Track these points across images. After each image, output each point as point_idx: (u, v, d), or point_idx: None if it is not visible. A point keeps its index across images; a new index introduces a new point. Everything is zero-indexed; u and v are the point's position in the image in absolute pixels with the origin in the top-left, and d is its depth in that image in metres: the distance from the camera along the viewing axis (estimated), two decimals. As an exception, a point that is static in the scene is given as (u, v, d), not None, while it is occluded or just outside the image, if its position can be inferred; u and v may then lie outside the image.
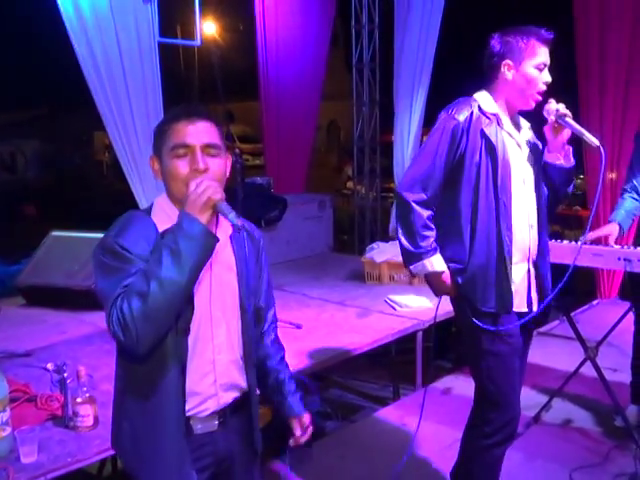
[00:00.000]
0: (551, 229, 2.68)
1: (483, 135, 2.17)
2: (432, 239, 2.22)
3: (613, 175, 5.11)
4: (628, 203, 3.16)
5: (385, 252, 4.72)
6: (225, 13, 14.41)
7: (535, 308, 2.29)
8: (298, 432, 1.69)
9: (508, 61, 2.17)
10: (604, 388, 3.11)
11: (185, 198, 1.41)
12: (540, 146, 2.31)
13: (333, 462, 2.98)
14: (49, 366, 2.79)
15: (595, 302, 5.32)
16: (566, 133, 2.20)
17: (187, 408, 1.52)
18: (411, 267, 2.27)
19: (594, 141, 2.13)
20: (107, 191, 14.74)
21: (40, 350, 3.32)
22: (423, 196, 2.21)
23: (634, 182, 3.17)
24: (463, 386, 3.79)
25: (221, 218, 1.56)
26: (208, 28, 14.01)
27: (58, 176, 17.93)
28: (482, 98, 2.25)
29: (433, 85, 5.86)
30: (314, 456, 3.04)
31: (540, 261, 2.29)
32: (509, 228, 2.17)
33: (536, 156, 2.29)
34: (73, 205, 11.88)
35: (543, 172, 2.29)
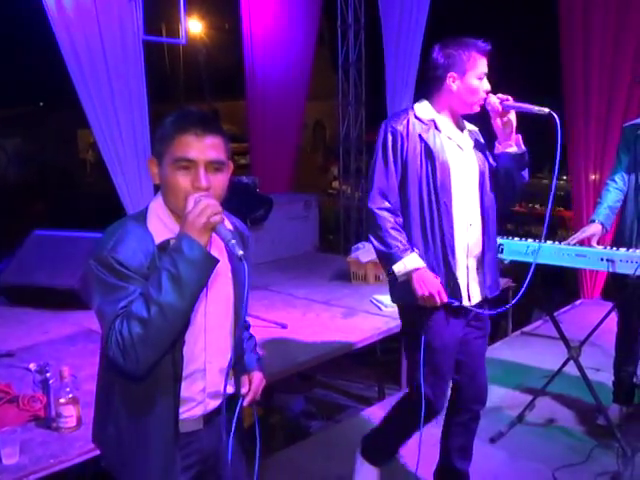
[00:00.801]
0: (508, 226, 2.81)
1: (421, 140, 2.30)
2: (404, 239, 2.31)
3: (596, 176, 5.16)
4: (612, 195, 3.19)
5: (370, 252, 4.70)
6: (211, 11, 14.33)
7: (474, 301, 2.38)
8: (244, 389, 1.65)
9: (453, 74, 2.30)
10: (587, 387, 3.14)
11: (183, 216, 1.37)
12: (485, 146, 2.43)
13: (318, 462, 2.98)
14: (31, 366, 2.77)
15: (578, 302, 5.37)
16: (512, 118, 2.31)
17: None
18: (393, 268, 2.30)
19: (544, 110, 2.25)
20: (90, 189, 14.61)
21: (22, 350, 3.29)
22: (387, 204, 2.32)
23: (621, 173, 3.19)
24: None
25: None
26: (194, 26, 13.93)
27: (41, 174, 17.73)
28: (419, 107, 2.38)
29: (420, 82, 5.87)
30: (298, 456, 3.04)
31: (483, 257, 2.38)
32: (451, 226, 2.30)
33: (480, 155, 2.40)
34: (56, 203, 11.76)
35: (499, 163, 2.39)
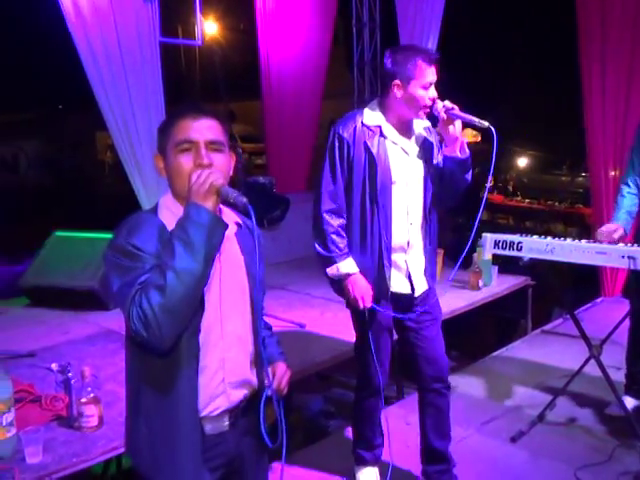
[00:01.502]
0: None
1: (365, 147, 2.43)
2: (343, 245, 2.48)
3: (616, 172, 5.10)
4: (627, 201, 3.19)
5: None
6: (226, 12, 14.39)
7: (419, 291, 2.57)
8: (268, 380, 1.63)
9: (397, 81, 2.38)
10: (609, 386, 3.10)
11: (188, 190, 1.42)
12: (434, 147, 2.53)
13: (336, 461, 2.98)
14: (53, 366, 2.80)
15: (599, 300, 5.31)
16: (458, 126, 2.40)
17: (199, 407, 1.52)
18: (327, 270, 2.50)
19: (484, 123, 2.36)
20: (109, 191, 14.74)
21: (43, 350, 3.32)
22: (334, 206, 2.48)
23: (634, 177, 3.19)
24: (467, 384, 3.79)
25: (225, 215, 1.57)
26: (209, 28, 13.99)
27: (60, 176, 17.93)
28: (367, 112, 2.49)
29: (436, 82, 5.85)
30: (318, 455, 3.04)
31: (425, 251, 2.57)
32: (388, 228, 2.45)
33: (426, 157, 2.52)
34: (75, 205, 11.88)
35: (444, 165, 2.50)
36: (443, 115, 2.39)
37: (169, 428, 1.51)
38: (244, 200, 1.41)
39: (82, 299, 4.06)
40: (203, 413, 1.53)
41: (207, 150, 1.48)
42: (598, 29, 4.93)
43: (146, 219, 1.51)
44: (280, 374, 1.67)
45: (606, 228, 3.08)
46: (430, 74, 2.37)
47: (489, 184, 2.42)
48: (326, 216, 2.47)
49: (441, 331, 2.68)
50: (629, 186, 3.20)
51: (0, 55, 15.64)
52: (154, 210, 1.56)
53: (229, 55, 16.00)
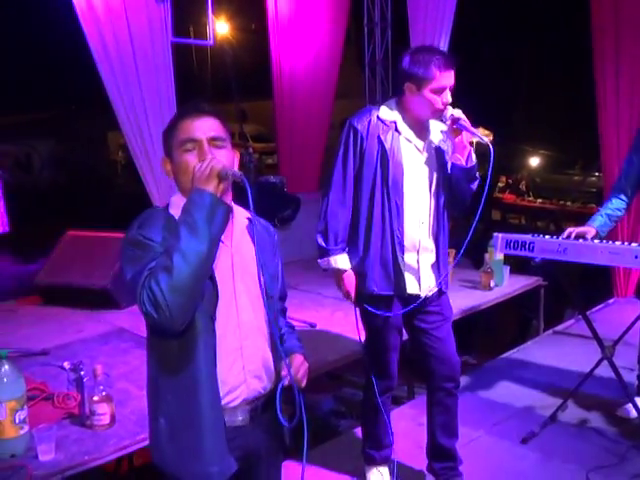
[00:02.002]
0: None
1: (379, 141, 2.44)
2: (342, 239, 2.52)
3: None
4: (612, 204, 3.12)
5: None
6: (237, 12, 14.43)
7: (425, 293, 2.55)
8: (284, 371, 1.64)
9: (409, 84, 2.39)
10: (621, 387, 3.08)
11: (191, 180, 1.48)
12: (447, 150, 2.52)
13: (347, 460, 2.98)
14: (66, 365, 2.81)
15: (611, 301, 5.27)
16: (465, 135, 2.40)
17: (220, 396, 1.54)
18: (319, 260, 2.57)
19: (486, 140, 2.37)
20: (121, 191, 14.83)
21: (57, 349, 3.35)
22: (340, 196, 2.51)
23: (626, 185, 3.13)
24: (478, 385, 3.77)
25: (235, 213, 1.62)
26: (221, 28, 14.03)
27: (73, 176, 18.06)
28: (383, 108, 2.50)
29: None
30: (328, 455, 3.04)
31: (437, 253, 2.55)
32: (401, 224, 2.45)
33: (439, 160, 2.51)
34: (88, 205, 11.96)
35: (451, 171, 2.49)
36: (448, 123, 2.40)
37: (191, 420, 1.52)
38: (238, 173, 1.48)
39: (95, 298, 4.09)
40: (224, 402, 1.55)
41: (210, 147, 1.53)
42: (612, 28, 4.90)
43: (156, 213, 1.57)
44: (297, 365, 1.67)
45: (576, 231, 2.98)
46: (444, 78, 2.35)
47: (485, 193, 2.37)
48: (333, 207, 2.51)
49: (452, 331, 2.67)
50: (619, 193, 3.14)
51: (13, 55, 15.78)
52: (166, 207, 1.62)
53: (240, 55, 16.03)
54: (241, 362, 1.57)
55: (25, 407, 2.17)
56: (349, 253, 2.56)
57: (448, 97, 2.39)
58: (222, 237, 1.50)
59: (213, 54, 15.86)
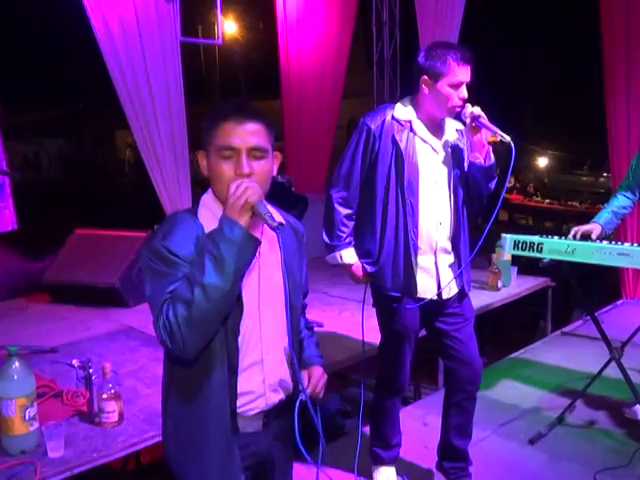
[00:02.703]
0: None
1: (393, 141, 2.40)
2: (346, 235, 2.53)
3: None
4: (617, 202, 3.13)
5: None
6: (245, 12, 14.44)
7: (446, 296, 2.52)
8: (304, 384, 1.61)
9: (426, 77, 2.35)
10: (629, 389, 3.06)
11: (225, 201, 1.40)
12: (464, 149, 2.49)
13: (353, 460, 2.97)
14: (74, 362, 2.83)
15: (620, 302, 5.24)
16: (484, 134, 2.36)
17: (237, 405, 1.53)
18: (327, 257, 2.59)
19: (506, 137, 2.33)
20: (129, 189, 14.89)
21: (65, 346, 3.36)
22: (344, 193, 2.50)
23: (634, 184, 3.12)
24: (486, 385, 3.75)
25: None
26: (229, 27, 14.04)
27: (81, 174, 18.16)
28: (398, 106, 2.47)
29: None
30: (334, 455, 3.04)
31: (459, 253, 2.51)
32: (415, 225, 2.42)
33: (456, 159, 2.48)
34: (96, 203, 12.01)
35: (468, 171, 2.47)
36: (468, 121, 2.36)
37: (195, 425, 1.51)
38: (275, 223, 1.39)
39: (103, 296, 4.10)
40: (240, 410, 1.53)
41: (248, 158, 1.46)
42: (622, 28, 4.87)
43: (183, 221, 1.50)
44: (316, 378, 1.64)
45: (582, 229, 2.99)
46: (461, 73, 2.31)
47: (502, 195, 2.39)
48: (337, 204, 2.51)
49: (474, 332, 2.63)
50: (625, 191, 3.14)
51: (22, 55, 15.85)
52: (194, 210, 1.55)
53: (249, 54, 16.05)
54: (262, 375, 1.55)
55: (35, 404, 2.18)
56: (364, 255, 2.54)
57: (465, 93, 2.35)
58: None
59: (221, 53, 15.88)
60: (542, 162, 17.80)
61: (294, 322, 1.60)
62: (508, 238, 3.02)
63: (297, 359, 1.61)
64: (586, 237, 2.97)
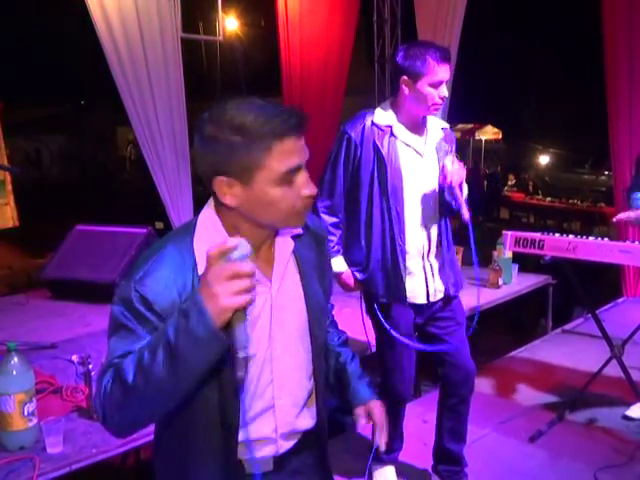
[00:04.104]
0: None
1: (375, 147, 2.38)
2: (334, 243, 2.51)
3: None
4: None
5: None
6: (246, 8, 14.44)
7: (432, 299, 2.51)
8: (363, 421, 1.48)
9: (405, 77, 2.33)
10: (630, 387, 3.06)
11: (206, 271, 1.06)
12: (448, 150, 2.48)
13: (353, 457, 2.98)
14: (74, 358, 2.82)
15: (621, 300, 5.24)
16: (464, 191, 2.41)
17: (239, 455, 1.32)
18: None
19: (465, 215, 2.38)
20: (130, 186, 14.89)
21: (65, 342, 3.35)
22: (328, 202, 2.50)
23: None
24: (486, 383, 3.76)
25: (277, 240, 1.31)
26: (230, 24, 14.03)
27: (82, 171, 18.16)
28: (378, 111, 2.44)
29: (456, 77, 5.80)
30: (334, 452, 3.04)
31: (444, 256, 2.51)
32: (402, 231, 2.41)
33: (441, 159, 2.45)
34: (97, 200, 12.02)
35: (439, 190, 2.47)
36: (446, 187, 2.38)
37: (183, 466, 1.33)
38: (242, 355, 1.06)
39: (103, 292, 4.08)
40: (247, 456, 1.31)
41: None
42: (625, 25, 4.85)
43: (171, 258, 1.20)
44: (380, 417, 1.49)
45: (625, 215, 2.96)
46: (441, 72, 2.30)
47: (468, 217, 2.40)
48: (322, 213, 2.50)
49: (466, 336, 2.63)
50: (638, 190, 3.08)
51: (23, 52, 15.85)
52: (190, 233, 1.24)
53: (250, 51, 16.03)
54: (273, 423, 1.32)
55: (34, 400, 2.18)
56: (353, 263, 2.54)
57: (445, 91, 2.34)
58: (257, 276, 1.10)
59: (222, 50, 15.87)
60: (544, 160, 17.77)
61: (318, 353, 1.38)
62: (509, 235, 3.02)
63: (324, 393, 1.42)
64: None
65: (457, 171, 2.34)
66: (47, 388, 2.60)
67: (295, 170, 1.19)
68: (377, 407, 1.50)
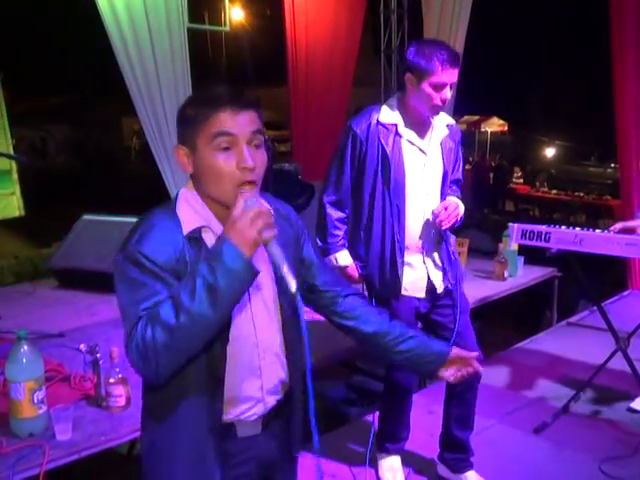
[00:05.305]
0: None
1: (380, 144, 2.43)
2: (340, 237, 2.57)
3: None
4: None
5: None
6: (253, -2, 14.40)
7: (436, 294, 2.56)
8: (452, 375, 1.60)
9: (409, 75, 2.36)
10: (635, 379, 3.07)
11: (230, 218, 1.24)
12: (453, 147, 2.53)
13: (358, 448, 2.99)
14: (82, 347, 2.84)
15: (626, 293, 5.24)
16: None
17: (233, 414, 1.44)
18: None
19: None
20: (135, 176, 14.90)
21: (72, 331, 3.37)
22: (334, 197, 2.55)
23: None
24: (491, 375, 3.76)
25: None
26: (236, 14, 13.98)
27: (88, 161, 18.17)
28: (384, 109, 2.47)
29: (462, 69, 5.78)
30: (339, 442, 3.06)
31: (442, 252, 2.54)
32: (402, 227, 2.45)
33: (446, 156, 2.50)
34: (102, 190, 12.03)
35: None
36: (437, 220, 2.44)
37: (168, 438, 1.43)
38: (293, 290, 1.25)
39: (109, 281, 4.07)
40: (239, 417, 1.45)
41: (249, 147, 1.32)
42: (632, 14, 4.82)
43: (160, 222, 1.35)
44: (461, 352, 1.64)
45: (622, 225, 2.91)
46: (445, 75, 2.29)
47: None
48: (328, 208, 2.56)
49: (470, 323, 2.65)
50: None
51: (29, 41, 15.84)
52: (172, 205, 1.40)
53: (256, 41, 15.98)
54: (259, 382, 1.45)
55: (43, 387, 2.20)
56: (356, 258, 2.58)
57: (447, 94, 2.33)
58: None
59: (228, 40, 15.81)
60: (549, 153, 17.69)
61: (287, 323, 1.49)
62: (515, 227, 3.02)
63: (296, 361, 1.51)
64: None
65: (448, 218, 2.43)
66: (56, 376, 2.63)
67: (226, 135, 1.30)
68: (454, 351, 1.62)
